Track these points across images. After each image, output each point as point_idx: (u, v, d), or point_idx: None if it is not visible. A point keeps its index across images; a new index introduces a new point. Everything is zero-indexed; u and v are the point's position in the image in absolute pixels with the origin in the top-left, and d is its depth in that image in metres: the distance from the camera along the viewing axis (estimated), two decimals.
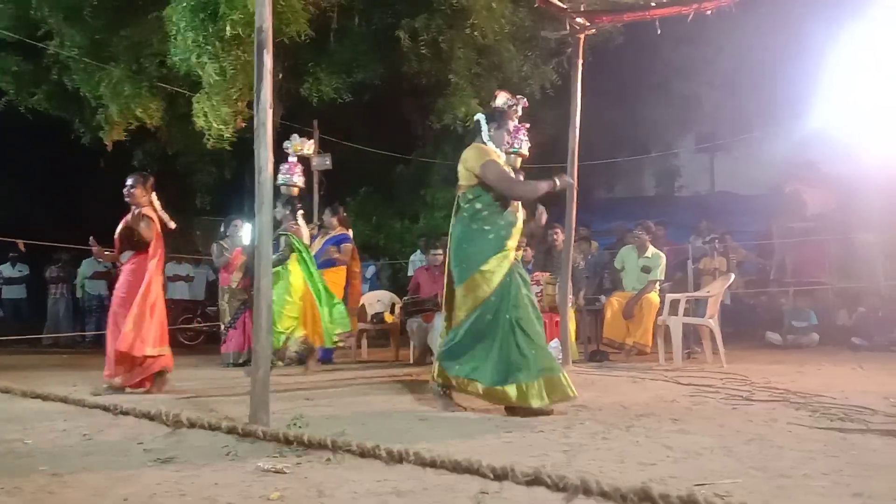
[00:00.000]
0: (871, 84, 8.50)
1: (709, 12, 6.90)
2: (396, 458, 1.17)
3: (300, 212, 7.02)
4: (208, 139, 8.24)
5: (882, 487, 2.62)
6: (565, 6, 7.42)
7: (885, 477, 2.78)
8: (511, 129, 5.24)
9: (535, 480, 1.04)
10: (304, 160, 7.28)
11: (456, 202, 4.61)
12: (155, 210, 5.71)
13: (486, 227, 4.40)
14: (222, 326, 8.27)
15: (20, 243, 10.68)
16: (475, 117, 4.78)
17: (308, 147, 7.23)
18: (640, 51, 11.05)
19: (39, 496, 2.68)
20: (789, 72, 10.40)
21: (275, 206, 6.75)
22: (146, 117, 8.61)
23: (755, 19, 9.44)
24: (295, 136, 7.20)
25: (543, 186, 4.54)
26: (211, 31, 7.60)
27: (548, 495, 2.63)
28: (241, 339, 7.74)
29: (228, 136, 8.48)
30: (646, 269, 7.74)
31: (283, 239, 6.79)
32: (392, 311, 8.70)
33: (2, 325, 10.78)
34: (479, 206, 4.44)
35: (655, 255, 7.80)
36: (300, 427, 3.52)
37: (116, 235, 5.70)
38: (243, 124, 8.72)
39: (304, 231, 7.00)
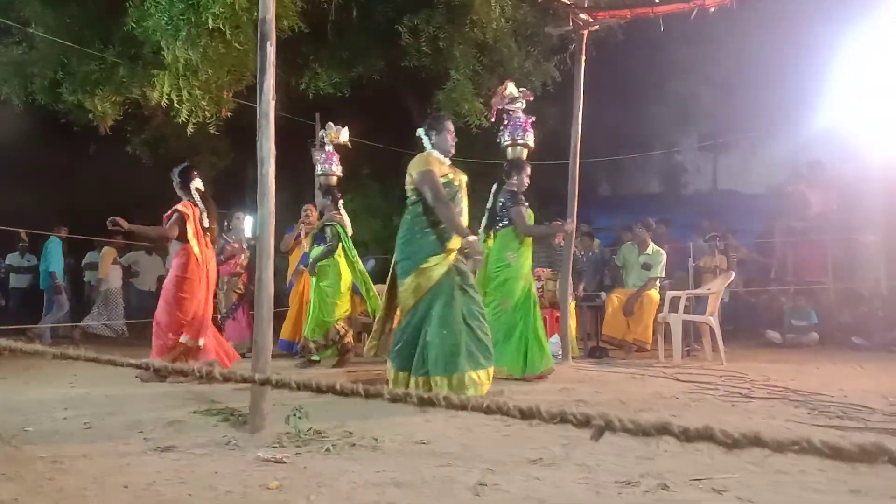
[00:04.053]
0: (875, 84, 8.49)
1: (711, 9, 6.91)
2: (428, 402, 1.21)
3: (340, 201, 7.09)
4: (184, 122, 8.21)
5: (878, 484, 2.63)
6: (569, 2, 7.43)
7: (881, 474, 2.78)
8: (512, 121, 5.39)
9: (560, 418, 1.12)
10: (340, 149, 7.33)
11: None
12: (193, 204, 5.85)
13: (427, 230, 4.65)
14: (219, 317, 8.31)
15: (22, 232, 10.69)
16: (417, 133, 4.97)
17: (344, 135, 7.27)
18: (642, 49, 11.04)
19: (39, 482, 2.69)
20: (793, 71, 10.40)
21: (317, 197, 6.98)
22: (141, 95, 8.53)
23: (758, 17, 9.42)
24: (330, 125, 7.25)
25: (461, 228, 4.67)
26: (192, 19, 7.61)
27: (546, 487, 2.65)
28: (242, 330, 7.76)
29: (212, 123, 8.50)
30: (646, 267, 7.75)
31: (328, 229, 6.87)
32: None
33: (7, 314, 10.78)
34: (420, 209, 4.69)
35: (656, 252, 7.81)
36: (300, 418, 3.53)
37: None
38: (228, 114, 8.71)
39: (347, 220, 7.07)
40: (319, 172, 7.16)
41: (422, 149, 4.90)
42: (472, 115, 9.79)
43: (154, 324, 5.77)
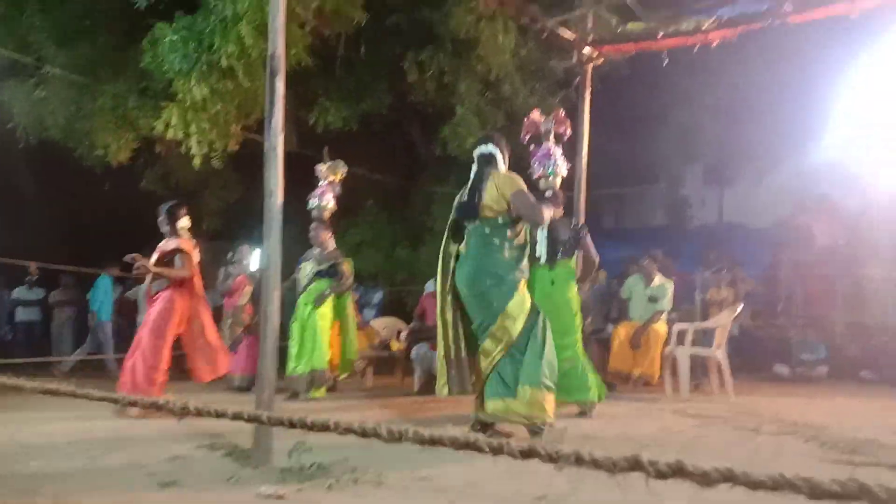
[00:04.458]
0: (881, 115, 8.51)
1: (713, 43, 6.97)
2: (429, 441, 1.21)
3: (330, 235, 7.31)
4: (193, 156, 8.33)
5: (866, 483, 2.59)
6: (573, 37, 7.51)
7: None
8: (548, 151, 5.40)
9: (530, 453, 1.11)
10: (344, 181, 7.51)
11: (476, 228, 4.63)
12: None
13: (517, 251, 4.59)
14: None
15: (32, 265, 10.74)
16: (488, 150, 4.82)
17: (340, 170, 7.39)
18: (646, 81, 11.11)
19: None
20: (798, 102, 10.43)
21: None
22: (150, 129, 8.66)
23: (762, 49, 9.49)
24: (321, 165, 7.35)
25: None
26: (204, 59, 7.79)
27: None
28: (246, 363, 7.72)
29: (218, 156, 8.61)
30: (653, 299, 7.71)
31: (343, 266, 7.07)
32: (398, 338, 8.68)
33: (14, 347, 10.79)
34: (508, 231, 4.56)
35: (662, 284, 7.77)
36: (302, 453, 3.51)
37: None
38: (237, 147, 8.80)
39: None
40: (312, 206, 7.24)
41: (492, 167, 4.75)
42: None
43: (135, 360, 5.66)
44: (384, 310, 10.65)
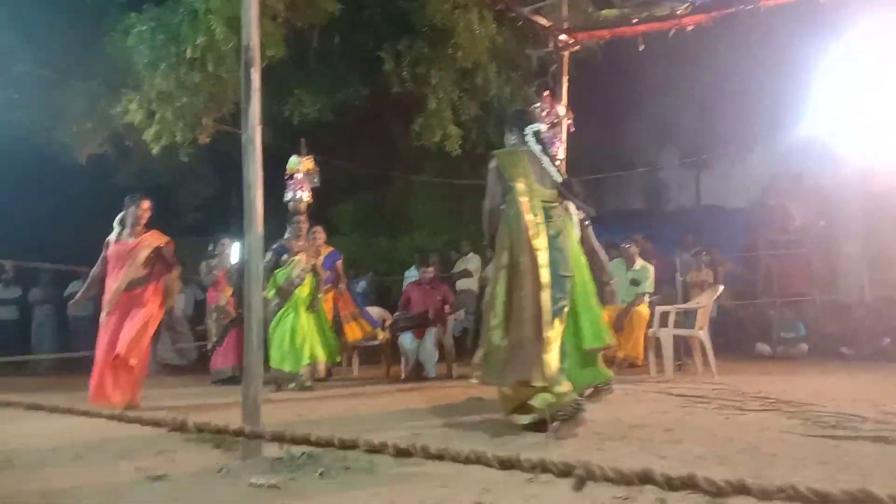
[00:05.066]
0: (853, 95, 8.60)
1: (689, 28, 7.02)
2: (405, 453, 1.17)
3: (305, 227, 7.34)
4: (150, 146, 8.25)
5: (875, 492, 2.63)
6: (548, 24, 7.52)
7: (877, 482, 2.79)
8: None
9: (539, 467, 1.07)
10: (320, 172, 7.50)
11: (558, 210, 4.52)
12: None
13: None
14: (209, 345, 8.25)
15: (9, 263, 10.60)
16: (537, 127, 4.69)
17: (309, 163, 7.37)
18: (622, 68, 11.14)
19: None
20: (771, 85, 10.52)
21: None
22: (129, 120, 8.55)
23: (735, 33, 9.56)
24: (295, 157, 7.31)
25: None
26: (173, 51, 7.73)
27: None
28: (231, 355, 7.70)
29: (187, 149, 8.55)
30: (634, 282, 7.78)
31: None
32: (383, 328, 8.67)
33: None
34: None
35: (643, 267, 7.84)
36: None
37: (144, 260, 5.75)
38: (207, 140, 8.72)
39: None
40: (288, 199, 7.23)
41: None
42: (450, 142, 9.83)
43: (130, 359, 5.60)
44: (367, 299, 10.62)
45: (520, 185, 4.29)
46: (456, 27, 9.19)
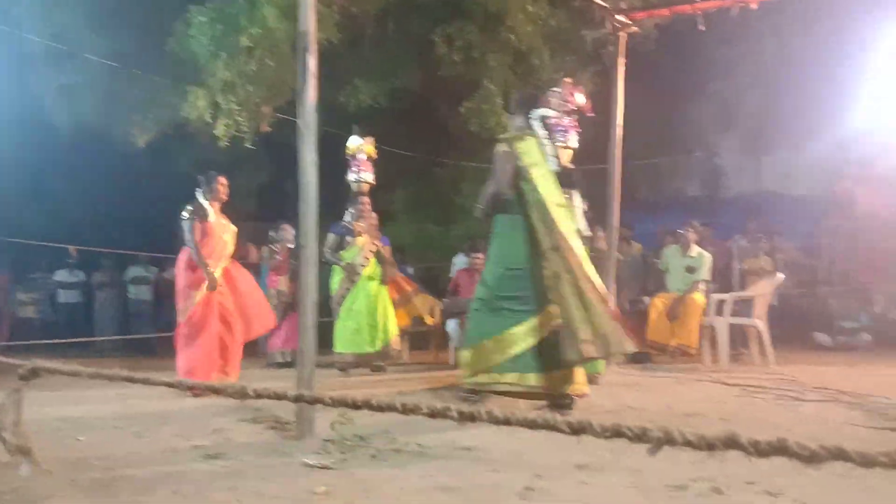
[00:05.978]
0: None
1: (753, 6, 6.77)
2: (468, 417, 1.18)
3: (368, 209, 7.41)
4: (220, 138, 8.42)
5: None
6: (606, 4, 7.37)
7: None
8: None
9: (614, 432, 1.06)
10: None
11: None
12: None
13: None
14: None
15: (73, 249, 10.98)
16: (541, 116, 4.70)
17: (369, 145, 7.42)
18: (680, 50, 10.88)
19: (94, 489, 2.74)
20: (837, 67, 10.15)
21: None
22: (197, 115, 8.73)
23: (800, 13, 9.24)
24: (355, 138, 7.39)
25: None
26: (231, 42, 7.88)
27: (595, 492, 2.61)
28: (286, 338, 7.81)
29: (249, 138, 8.69)
30: (690, 270, 7.61)
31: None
32: (431, 314, 8.69)
33: (57, 329, 11.07)
34: None
35: (700, 254, 7.67)
36: (344, 425, 3.54)
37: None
38: (268, 129, 8.84)
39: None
40: (353, 180, 7.31)
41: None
42: (500, 127, 9.73)
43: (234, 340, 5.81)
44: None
45: (536, 171, 4.30)
46: (510, 9, 9.10)
